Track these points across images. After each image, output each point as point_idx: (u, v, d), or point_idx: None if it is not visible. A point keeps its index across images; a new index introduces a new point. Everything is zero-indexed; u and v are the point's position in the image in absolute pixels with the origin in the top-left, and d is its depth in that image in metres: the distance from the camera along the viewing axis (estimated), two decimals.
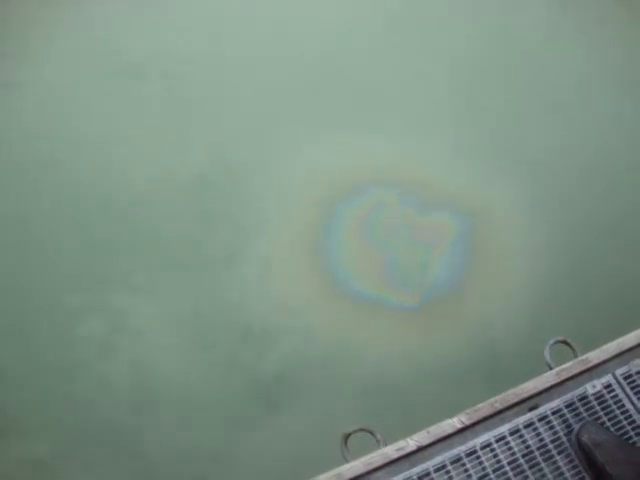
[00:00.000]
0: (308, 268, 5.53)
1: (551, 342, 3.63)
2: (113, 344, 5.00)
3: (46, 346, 5.05)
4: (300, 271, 5.50)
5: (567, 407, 3.29)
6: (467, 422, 3.16)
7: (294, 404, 4.55)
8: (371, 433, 3.26)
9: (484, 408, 3.21)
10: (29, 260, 5.46)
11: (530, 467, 3.13)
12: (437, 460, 3.09)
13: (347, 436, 3.26)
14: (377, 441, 3.26)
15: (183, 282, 5.37)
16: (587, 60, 6.62)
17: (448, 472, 3.08)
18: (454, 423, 3.14)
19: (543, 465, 3.14)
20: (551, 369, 3.47)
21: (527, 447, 3.18)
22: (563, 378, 3.36)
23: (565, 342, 3.66)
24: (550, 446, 3.19)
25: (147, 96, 6.29)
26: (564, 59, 6.63)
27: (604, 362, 3.41)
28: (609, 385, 3.36)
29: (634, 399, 3.31)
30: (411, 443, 3.06)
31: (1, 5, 6.83)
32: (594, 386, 3.35)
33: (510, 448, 3.17)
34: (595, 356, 3.42)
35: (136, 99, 6.26)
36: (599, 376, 3.39)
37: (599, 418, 3.26)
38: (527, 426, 3.22)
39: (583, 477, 3.10)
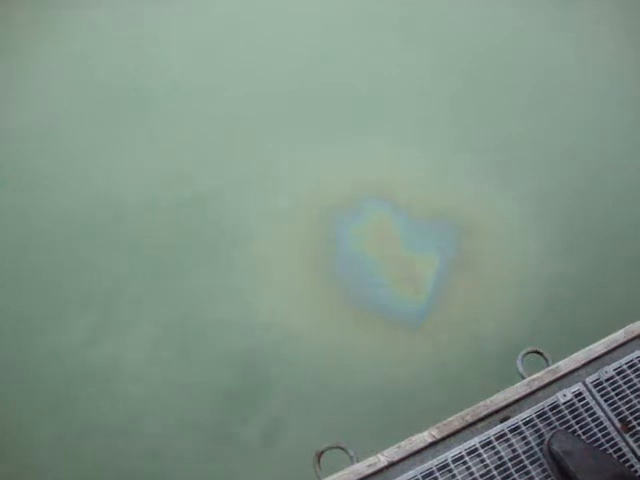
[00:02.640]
0: (292, 279, 5.55)
1: (523, 352, 3.65)
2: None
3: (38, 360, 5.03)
4: (284, 281, 5.52)
5: (539, 417, 3.30)
6: (438, 436, 3.16)
7: (270, 421, 4.56)
8: (344, 450, 3.26)
9: (455, 421, 3.22)
10: (16, 278, 5.45)
11: (503, 479, 3.13)
12: (409, 475, 3.09)
13: (320, 454, 3.26)
14: (350, 457, 3.26)
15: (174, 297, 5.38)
16: (594, 62, 6.70)
17: None
18: (425, 437, 3.14)
19: (516, 476, 3.13)
20: (524, 379, 3.49)
21: (500, 459, 3.18)
22: (534, 388, 3.37)
23: (537, 352, 3.68)
24: (522, 457, 3.19)
25: (140, 109, 6.32)
26: (571, 62, 6.71)
27: (574, 370, 3.42)
28: (580, 393, 3.37)
29: (604, 406, 3.32)
30: (382, 459, 3.06)
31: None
32: (565, 395, 3.36)
33: (482, 460, 3.17)
34: (565, 365, 3.43)
35: (127, 113, 6.30)
36: (570, 385, 3.40)
37: (571, 426, 3.27)
38: (499, 438, 3.23)
39: None
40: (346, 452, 3.26)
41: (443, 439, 3.19)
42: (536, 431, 3.27)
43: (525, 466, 3.16)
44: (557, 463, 3.10)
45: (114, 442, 4.69)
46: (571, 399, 3.35)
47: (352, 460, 3.22)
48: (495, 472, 3.14)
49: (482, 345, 4.78)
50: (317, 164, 6.12)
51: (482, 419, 3.27)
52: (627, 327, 3.49)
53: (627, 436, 3.24)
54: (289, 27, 6.79)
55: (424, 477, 3.09)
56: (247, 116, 6.34)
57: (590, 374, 3.43)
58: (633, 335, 3.48)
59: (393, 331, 5.23)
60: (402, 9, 6.96)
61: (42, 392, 4.96)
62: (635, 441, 3.22)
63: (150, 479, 4.59)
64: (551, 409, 3.32)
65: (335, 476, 3.02)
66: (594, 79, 6.64)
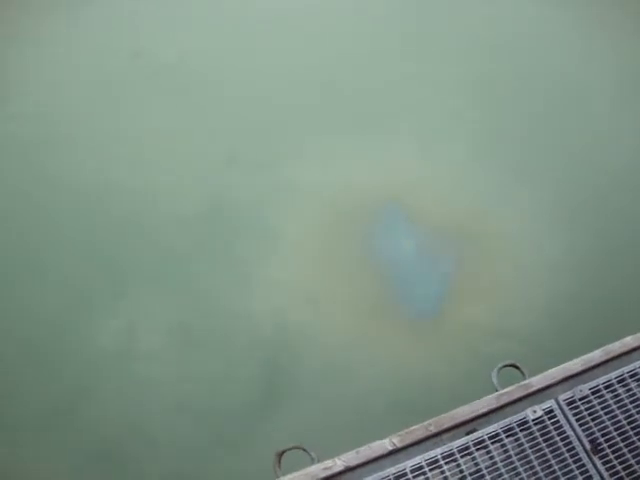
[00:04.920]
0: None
1: (500, 365, 3.57)
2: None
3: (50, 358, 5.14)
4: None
5: (505, 432, 3.23)
6: (399, 444, 3.12)
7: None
8: (305, 451, 3.25)
9: (417, 430, 3.17)
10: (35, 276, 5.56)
11: None
12: None
13: (281, 454, 3.26)
14: (312, 459, 3.25)
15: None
16: (605, 71, 6.56)
17: None
18: (385, 445, 3.11)
19: None
20: (495, 393, 3.42)
21: (460, 472, 3.13)
22: (503, 402, 3.30)
23: (514, 366, 3.60)
24: (484, 471, 3.12)
25: (150, 111, 6.39)
26: (582, 68, 6.57)
27: (547, 387, 3.34)
28: (551, 411, 3.29)
29: (575, 425, 3.23)
30: (339, 463, 3.04)
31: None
32: (535, 411, 3.28)
33: (442, 472, 3.12)
34: (538, 381, 3.36)
35: (140, 114, 6.37)
36: (541, 401, 3.32)
37: (538, 444, 3.20)
38: (461, 450, 3.17)
39: None
40: (308, 453, 3.26)
41: (405, 448, 3.15)
42: (502, 446, 3.20)
43: None
44: None
45: None
46: (541, 416, 3.27)
47: (313, 462, 3.22)
48: None
49: (468, 355, 4.73)
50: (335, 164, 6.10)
51: (447, 430, 3.22)
52: (605, 347, 3.39)
53: (596, 458, 3.15)
54: (311, 28, 6.79)
55: None
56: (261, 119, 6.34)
57: (565, 392, 3.35)
58: (612, 355, 3.38)
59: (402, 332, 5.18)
60: (424, 10, 6.91)
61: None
62: (603, 464, 3.13)
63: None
64: (519, 425, 3.25)
65: (289, 477, 3.02)
66: (616, 82, 6.48)
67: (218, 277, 5.46)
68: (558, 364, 3.50)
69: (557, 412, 3.28)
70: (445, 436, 3.22)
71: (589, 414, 3.27)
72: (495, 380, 3.51)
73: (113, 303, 5.31)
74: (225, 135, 6.21)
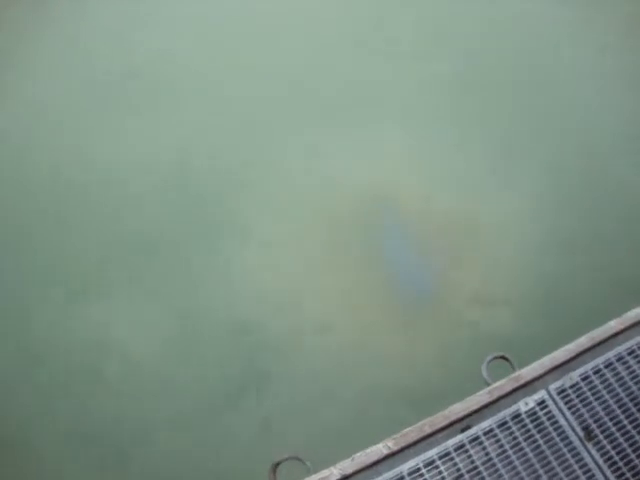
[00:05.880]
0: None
1: (489, 358, 3.57)
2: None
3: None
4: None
5: (499, 427, 3.23)
6: (394, 447, 3.10)
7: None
8: (300, 461, 3.22)
9: (413, 432, 3.15)
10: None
11: None
12: None
13: (276, 465, 3.22)
14: (307, 469, 3.22)
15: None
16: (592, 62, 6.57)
17: None
18: (380, 449, 3.08)
19: None
20: (487, 387, 3.42)
21: (457, 470, 3.12)
22: (496, 397, 3.29)
23: (504, 358, 3.60)
24: (481, 468, 3.12)
25: (150, 107, 6.26)
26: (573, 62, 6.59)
27: (538, 378, 3.34)
28: (542, 401, 3.29)
29: (567, 414, 3.24)
30: (335, 471, 3.01)
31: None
32: (527, 403, 3.28)
33: (440, 472, 3.10)
34: (528, 372, 3.35)
35: (135, 108, 6.24)
36: (533, 392, 3.32)
37: (532, 436, 3.20)
38: (457, 449, 3.16)
39: None
40: (303, 463, 3.22)
41: (400, 450, 3.12)
42: (497, 441, 3.20)
43: (483, 478, 3.10)
44: None
45: None
46: (533, 407, 3.27)
47: (309, 472, 3.18)
48: None
49: (457, 348, 4.73)
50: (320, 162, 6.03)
51: (442, 429, 3.20)
52: (590, 333, 3.39)
53: (590, 445, 3.16)
54: (301, 27, 6.70)
55: None
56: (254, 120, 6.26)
57: (555, 381, 3.35)
58: (598, 340, 3.39)
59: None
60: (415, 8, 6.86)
61: None
62: (598, 450, 3.14)
63: None
64: (512, 418, 3.25)
65: None
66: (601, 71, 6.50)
67: (208, 280, 5.40)
68: (547, 352, 3.51)
69: (549, 402, 3.29)
70: (440, 435, 3.20)
71: (580, 401, 3.28)
72: (485, 373, 3.51)
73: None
74: (218, 134, 6.13)
